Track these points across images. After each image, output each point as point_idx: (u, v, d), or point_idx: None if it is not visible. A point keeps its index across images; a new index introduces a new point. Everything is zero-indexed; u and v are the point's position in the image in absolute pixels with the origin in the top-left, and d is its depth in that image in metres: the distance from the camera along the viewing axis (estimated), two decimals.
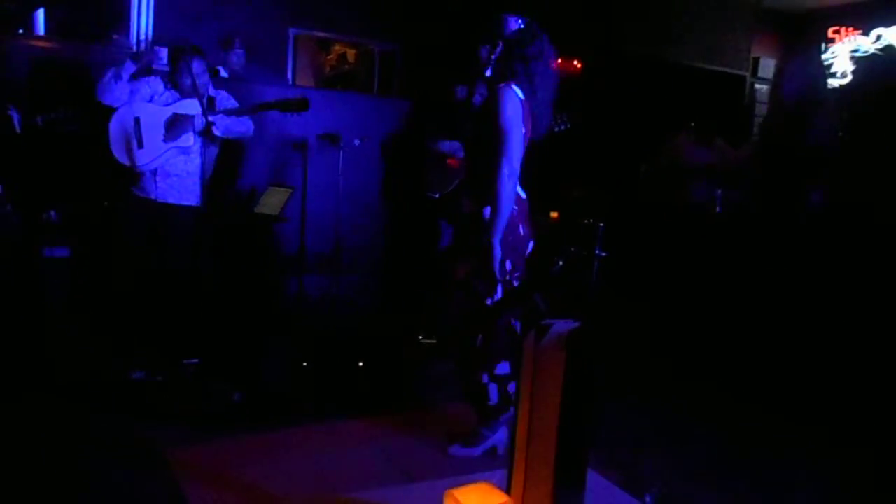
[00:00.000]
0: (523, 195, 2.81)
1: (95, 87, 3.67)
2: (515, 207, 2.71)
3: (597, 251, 1.85)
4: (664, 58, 7.45)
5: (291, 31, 6.03)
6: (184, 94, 3.78)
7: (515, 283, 2.72)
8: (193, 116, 3.72)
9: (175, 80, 3.80)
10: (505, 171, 2.61)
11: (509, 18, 2.84)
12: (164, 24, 5.24)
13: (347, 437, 3.02)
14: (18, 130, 3.56)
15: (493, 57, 2.73)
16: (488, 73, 2.80)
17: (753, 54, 7.48)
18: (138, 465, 2.66)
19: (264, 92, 4.69)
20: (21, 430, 2.90)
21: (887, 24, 7.32)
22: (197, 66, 3.70)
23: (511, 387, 2.73)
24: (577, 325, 1.50)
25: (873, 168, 4.67)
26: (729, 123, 6.73)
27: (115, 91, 3.66)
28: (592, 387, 1.48)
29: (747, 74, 7.47)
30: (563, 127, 4.19)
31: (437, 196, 4.48)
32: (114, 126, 3.71)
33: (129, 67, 3.68)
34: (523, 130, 2.69)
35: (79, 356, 3.70)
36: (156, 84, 3.83)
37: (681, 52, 7.50)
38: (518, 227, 2.72)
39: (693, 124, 5.80)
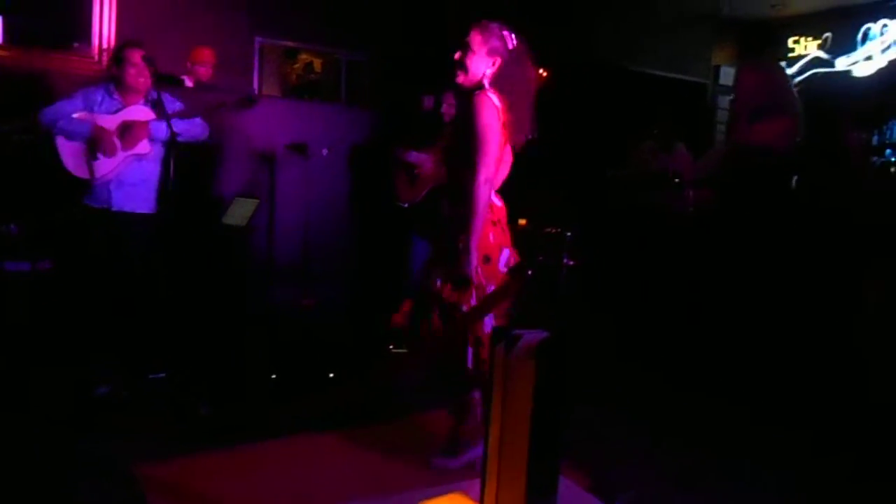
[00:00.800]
0: (499, 203, 2.81)
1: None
2: (486, 215, 2.70)
3: (564, 260, 1.87)
4: (628, 66, 7.57)
5: (257, 40, 6.00)
6: (126, 94, 3.70)
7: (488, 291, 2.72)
8: (147, 123, 3.68)
9: (117, 79, 3.70)
10: (481, 177, 2.62)
11: (485, 24, 2.84)
12: (126, 32, 5.18)
13: (319, 450, 2.99)
14: None
15: (487, 72, 2.71)
16: (460, 80, 2.79)
17: (714, 63, 7.64)
18: (106, 481, 2.61)
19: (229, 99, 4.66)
20: None
21: (844, 35, 7.55)
22: (137, 57, 3.62)
23: None
24: (546, 334, 1.52)
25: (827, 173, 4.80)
26: (691, 130, 6.84)
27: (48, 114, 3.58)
28: (563, 395, 1.50)
29: (709, 82, 7.63)
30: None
31: (406, 206, 4.48)
32: (61, 141, 3.62)
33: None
34: (500, 137, 2.69)
35: (41, 372, 3.62)
36: (93, 94, 3.71)
37: (644, 61, 7.63)
38: (489, 235, 2.72)
39: (655, 131, 5.90)
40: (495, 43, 2.72)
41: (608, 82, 7.20)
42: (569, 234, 1.83)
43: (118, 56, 3.73)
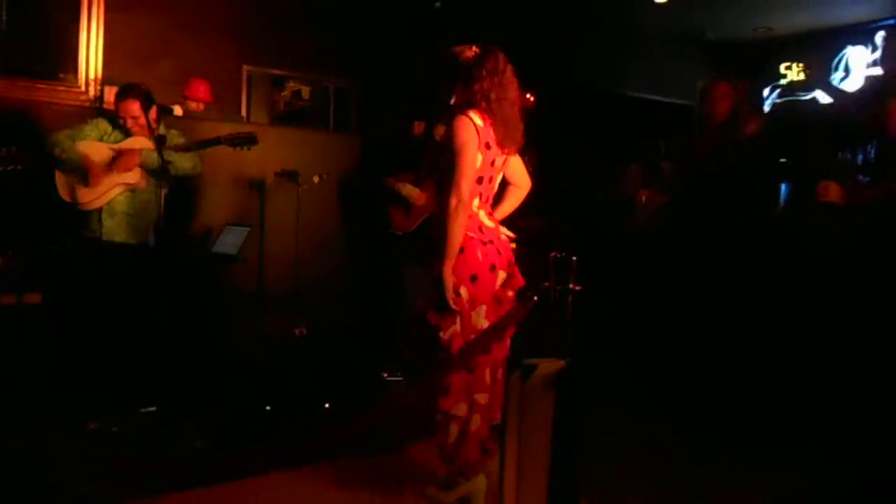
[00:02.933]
0: (490, 224, 2.77)
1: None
2: (474, 235, 2.67)
3: (571, 285, 1.84)
4: (612, 89, 7.62)
5: (245, 68, 5.98)
6: (130, 133, 3.74)
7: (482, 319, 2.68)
8: (140, 151, 3.66)
9: (117, 121, 3.75)
10: (453, 200, 2.59)
11: (460, 49, 2.84)
12: (114, 62, 5.15)
13: (316, 484, 2.92)
14: None
15: (453, 86, 2.70)
16: (451, 102, 2.78)
17: (699, 84, 7.70)
18: None
19: (219, 129, 4.63)
20: None
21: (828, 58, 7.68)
22: (132, 107, 3.65)
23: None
24: (561, 363, 1.48)
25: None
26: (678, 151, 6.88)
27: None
28: (581, 424, 1.46)
29: (694, 104, 7.68)
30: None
31: (400, 235, 4.45)
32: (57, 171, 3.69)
33: None
34: (480, 157, 2.65)
35: (29, 407, 3.53)
36: (104, 125, 3.78)
37: (629, 84, 7.70)
38: (477, 253, 2.66)
39: (641, 154, 5.93)
40: (462, 63, 2.71)
41: (592, 106, 7.25)
42: (574, 258, 1.81)
43: (116, 104, 3.76)
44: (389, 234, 4.52)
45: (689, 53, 7.80)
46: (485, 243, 2.69)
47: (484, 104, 2.68)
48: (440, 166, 2.83)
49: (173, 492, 2.74)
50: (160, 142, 3.59)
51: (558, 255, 1.84)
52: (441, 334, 2.64)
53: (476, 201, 2.72)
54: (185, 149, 3.79)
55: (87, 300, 3.64)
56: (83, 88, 5.24)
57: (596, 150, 6.82)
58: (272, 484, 2.88)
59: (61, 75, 5.30)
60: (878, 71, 7.51)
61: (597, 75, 7.48)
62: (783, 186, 5.40)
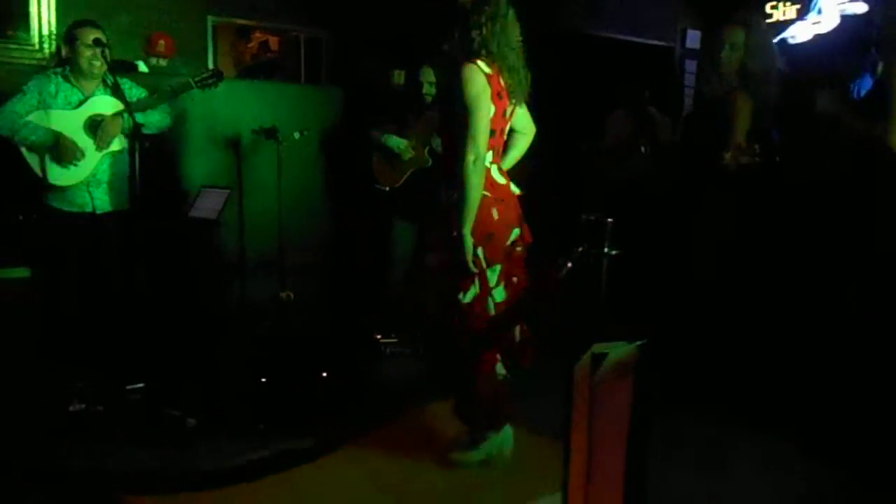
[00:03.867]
0: (502, 180, 2.64)
1: None
2: (488, 193, 2.53)
3: (605, 249, 1.70)
4: (591, 31, 7.39)
5: (210, 19, 5.64)
6: (84, 78, 3.41)
7: (495, 281, 2.55)
8: (121, 117, 3.39)
9: (71, 63, 3.40)
10: (470, 157, 2.44)
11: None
12: (69, 17, 4.78)
13: (327, 462, 2.76)
14: None
15: (449, 32, 2.54)
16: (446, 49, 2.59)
17: (681, 26, 7.52)
18: None
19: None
20: None
21: None
22: (92, 35, 3.35)
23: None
24: (634, 349, 1.35)
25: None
26: (661, 96, 6.72)
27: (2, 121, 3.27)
28: (653, 414, 1.34)
29: (676, 46, 7.50)
30: None
31: (386, 190, 4.26)
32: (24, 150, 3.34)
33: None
34: (493, 108, 2.51)
35: (7, 389, 3.33)
36: (45, 85, 3.39)
37: (609, 26, 7.47)
38: (492, 212, 2.53)
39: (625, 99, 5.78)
40: (459, 6, 2.55)
41: (571, 49, 7.02)
42: (610, 220, 1.66)
43: (69, 37, 3.43)
44: (375, 190, 4.32)
45: None
46: (498, 201, 2.56)
47: (484, 52, 2.51)
48: (448, 119, 2.66)
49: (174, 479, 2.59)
50: (118, 91, 3.32)
51: (591, 218, 1.69)
52: (461, 297, 2.53)
53: (489, 155, 2.57)
54: (155, 102, 3.52)
55: (73, 275, 3.40)
56: (37, 45, 4.89)
57: (575, 95, 6.63)
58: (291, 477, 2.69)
59: (10, 32, 4.94)
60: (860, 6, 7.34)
61: (573, 16, 7.24)
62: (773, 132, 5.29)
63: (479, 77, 2.46)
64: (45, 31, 4.86)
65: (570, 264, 1.64)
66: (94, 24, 3.45)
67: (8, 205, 3.74)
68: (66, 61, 3.47)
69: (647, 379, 1.31)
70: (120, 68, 3.88)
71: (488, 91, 2.47)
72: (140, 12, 5.06)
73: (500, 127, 2.59)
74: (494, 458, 2.69)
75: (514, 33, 2.58)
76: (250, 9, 5.75)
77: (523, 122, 2.78)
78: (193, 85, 3.56)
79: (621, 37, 7.47)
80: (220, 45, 6.08)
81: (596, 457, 1.32)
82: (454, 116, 2.51)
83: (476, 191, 2.46)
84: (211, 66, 5.71)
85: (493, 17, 2.52)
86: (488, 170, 2.56)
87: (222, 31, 6.12)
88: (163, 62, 5.01)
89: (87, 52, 3.36)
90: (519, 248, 2.63)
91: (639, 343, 1.35)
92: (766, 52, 4.65)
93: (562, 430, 1.41)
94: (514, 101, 2.60)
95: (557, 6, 7.02)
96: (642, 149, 5.07)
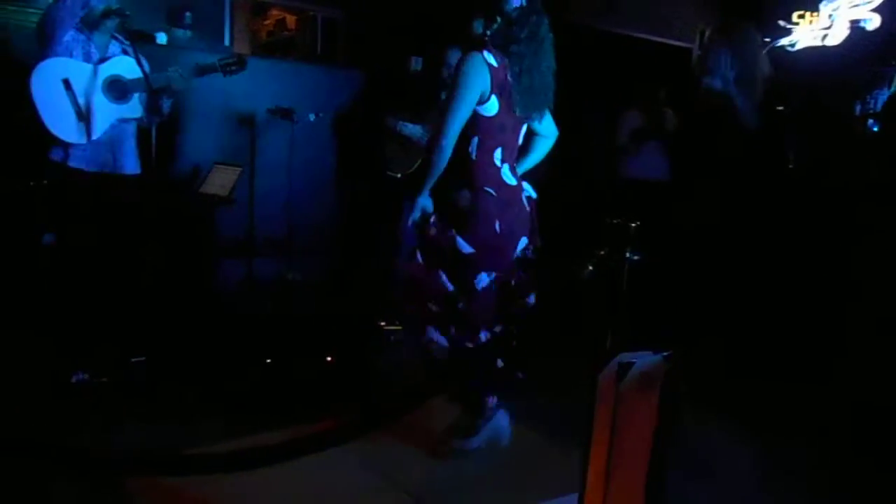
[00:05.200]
0: (512, 181, 2.58)
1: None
2: (493, 192, 2.50)
3: (628, 254, 1.69)
4: (610, 30, 7.33)
5: None
6: (91, 30, 3.26)
7: (485, 283, 2.53)
8: (141, 81, 3.26)
9: (90, 19, 3.23)
10: (442, 140, 2.44)
11: None
12: None
13: (335, 452, 2.71)
14: None
15: (487, 33, 2.50)
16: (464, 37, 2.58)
17: (700, 26, 7.46)
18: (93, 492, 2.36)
19: (204, 59, 4.32)
20: None
21: None
22: None
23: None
24: (661, 359, 1.33)
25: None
26: (678, 95, 6.69)
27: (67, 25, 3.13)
28: (678, 425, 1.33)
29: (694, 46, 7.44)
30: None
31: (399, 176, 4.23)
32: (39, 94, 3.12)
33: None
34: (498, 103, 2.47)
35: (9, 358, 3.33)
36: (75, 36, 3.23)
37: (627, 24, 7.41)
38: (494, 224, 2.49)
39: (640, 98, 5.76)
40: (503, 9, 2.50)
41: (586, 46, 6.97)
42: (634, 224, 1.65)
43: None
44: (388, 176, 4.30)
45: None
46: (505, 205, 2.52)
47: (515, 63, 2.48)
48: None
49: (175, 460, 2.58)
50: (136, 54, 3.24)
51: (616, 222, 1.68)
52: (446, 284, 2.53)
53: (499, 153, 2.53)
54: (182, 82, 3.45)
55: (77, 240, 3.32)
56: None
57: (590, 92, 6.59)
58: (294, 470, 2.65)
59: None
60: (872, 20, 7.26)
61: (589, 13, 7.18)
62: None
63: (478, 67, 2.42)
64: None
65: (591, 267, 1.63)
66: None
67: (19, 170, 3.70)
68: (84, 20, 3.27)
69: (673, 391, 1.30)
70: (138, 39, 3.83)
71: (484, 83, 2.42)
72: None
73: (512, 123, 2.54)
74: (492, 445, 2.67)
75: (546, 58, 2.57)
76: None
77: (545, 125, 2.74)
78: (218, 67, 3.49)
79: (639, 35, 7.42)
80: (236, 21, 6.04)
81: (616, 466, 1.31)
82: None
83: (437, 167, 2.47)
84: (227, 41, 5.69)
85: (531, 37, 2.51)
86: (498, 169, 2.52)
87: (239, 7, 6.07)
88: (188, 34, 4.96)
89: (99, 5, 3.19)
90: (527, 256, 2.61)
91: (666, 355, 1.34)
92: (749, 58, 4.49)
93: (582, 436, 1.40)
94: (523, 116, 2.56)
95: (575, 3, 6.97)
96: None
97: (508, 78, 2.47)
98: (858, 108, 6.96)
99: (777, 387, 3.38)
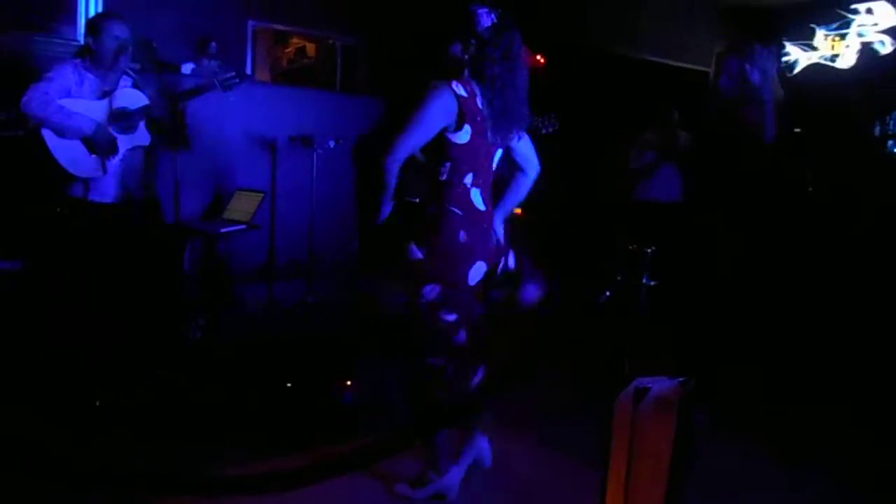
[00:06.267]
0: (482, 206, 2.52)
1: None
2: (458, 211, 2.46)
3: (645, 279, 1.71)
4: (628, 54, 7.40)
5: (250, 24, 5.73)
6: (106, 70, 3.34)
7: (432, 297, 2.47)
8: (146, 110, 3.40)
9: (95, 52, 3.30)
10: (386, 158, 2.47)
11: (481, 12, 2.64)
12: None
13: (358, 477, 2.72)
14: None
15: (466, 57, 2.47)
16: (466, 74, 2.49)
17: (717, 50, 7.51)
18: None
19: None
20: None
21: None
22: (119, 29, 3.28)
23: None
24: (677, 384, 1.36)
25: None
26: (694, 119, 6.73)
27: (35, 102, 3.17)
28: (694, 445, 1.34)
29: (710, 70, 7.49)
30: (549, 129, 4.05)
31: (417, 201, 4.28)
32: (50, 136, 3.23)
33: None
34: (469, 129, 2.42)
35: (34, 380, 3.39)
36: (65, 74, 3.29)
37: (645, 48, 7.47)
38: (457, 235, 2.46)
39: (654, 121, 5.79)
40: (476, 31, 2.48)
41: (604, 69, 7.04)
42: (650, 250, 1.68)
43: (95, 28, 3.33)
44: (407, 203, 4.34)
45: (707, 17, 7.57)
46: (470, 224, 2.47)
47: (488, 86, 2.43)
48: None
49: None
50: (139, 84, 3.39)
51: (631, 248, 1.71)
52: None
53: (470, 177, 2.48)
54: (179, 100, 3.58)
55: (99, 265, 3.41)
56: (82, 41, 4.99)
57: (607, 115, 6.64)
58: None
59: (53, 25, 5.06)
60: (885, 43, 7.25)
61: (608, 37, 7.25)
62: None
63: (445, 99, 2.38)
64: None
65: (608, 293, 1.66)
66: (120, 19, 3.39)
67: (41, 199, 3.79)
68: (87, 52, 3.38)
69: (690, 416, 1.32)
70: (164, 69, 3.95)
71: (453, 115, 2.40)
72: (184, 14, 5.14)
73: (485, 149, 2.50)
74: (439, 498, 2.63)
75: (520, 73, 2.50)
76: (290, 15, 5.83)
77: (525, 155, 2.68)
78: (217, 85, 3.60)
79: (656, 59, 7.48)
80: (258, 50, 6.18)
81: (634, 489, 1.33)
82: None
83: (388, 189, 2.52)
84: (249, 70, 5.82)
85: (505, 56, 2.44)
86: (468, 190, 2.49)
87: (261, 35, 6.22)
88: (213, 63, 5.09)
89: (112, 45, 3.29)
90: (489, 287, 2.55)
91: (683, 379, 1.36)
92: (761, 70, 4.50)
93: (600, 459, 1.42)
94: (499, 140, 2.52)
95: (592, 27, 7.05)
96: None
97: (480, 105, 2.42)
98: (878, 129, 6.97)
99: (807, 409, 3.39)
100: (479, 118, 2.43)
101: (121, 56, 3.32)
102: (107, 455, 2.76)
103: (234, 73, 3.69)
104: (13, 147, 3.61)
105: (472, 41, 2.47)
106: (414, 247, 2.52)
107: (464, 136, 2.44)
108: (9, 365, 3.41)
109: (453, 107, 2.39)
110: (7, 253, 3.80)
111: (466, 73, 2.46)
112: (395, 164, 2.47)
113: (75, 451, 2.77)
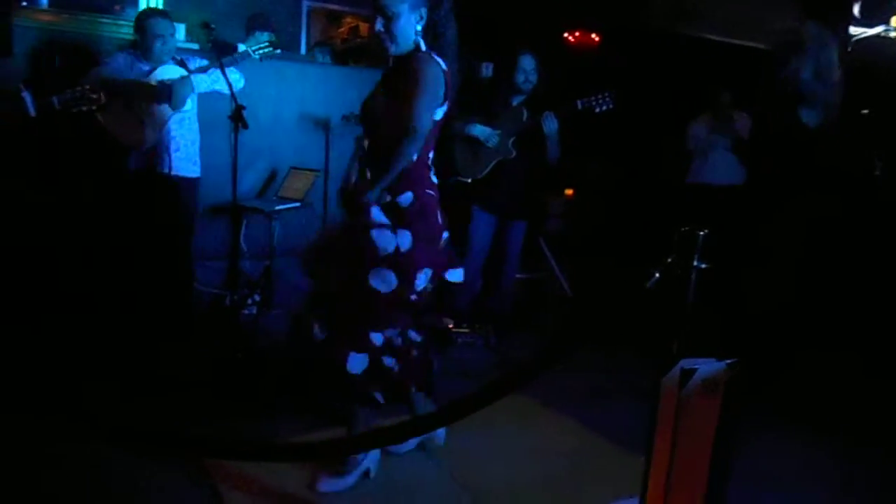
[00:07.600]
0: (436, 180, 2.50)
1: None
2: (433, 193, 2.43)
3: (696, 262, 1.70)
4: (684, 31, 7.22)
5: (305, 4, 5.79)
6: (152, 61, 3.69)
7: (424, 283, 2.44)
8: (188, 79, 3.65)
9: (144, 45, 3.67)
10: (415, 126, 2.26)
11: None
12: None
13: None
14: (33, 113, 3.32)
15: (393, 31, 2.35)
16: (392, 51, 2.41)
17: (777, 27, 7.27)
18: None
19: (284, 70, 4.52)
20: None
21: None
22: (162, 26, 3.65)
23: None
24: (723, 366, 1.36)
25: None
26: (747, 97, 6.55)
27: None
28: (738, 431, 1.35)
29: (765, 47, 7.27)
30: (604, 107, 4.01)
31: (468, 181, 4.29)
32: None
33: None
34: (444, 109, 2.38)
35: (98, 350, 3.54)
36: (119, 60, 3.70)
37: (701, 26, 7.28)
38: (437, 216, 2.43)
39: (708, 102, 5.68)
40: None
41: (662, 48, 6.89)
42: (702, 233, 1.67)
43: (139, 26, 3.69)
44: (456, 181, 4.36)
45: None
46: (438, 202, 2.45)
47: (446, 52, 2.39)
48: (385, 113, 2.42)
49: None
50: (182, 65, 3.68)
51: (684, 230, 1.70)
52: (375, 284, 2.31)
53: (431, 155, 2.44)
54: (207, 68, 3.73)
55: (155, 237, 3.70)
56: None
57: (666, 94, 6.52)
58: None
59: (118, 7, 5.20)
60: None
61: (666, 15, 7.09)
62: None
63: (437, 70, 2.31)
64: None
65: (657, 275, 1.65)
66: (162, 15, 3.76)
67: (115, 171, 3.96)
68: (136, 45, 3.76)
69: (735, 399, 1.32)
70: (221, 49, 4.03)
71: (443, 87, 2.32)
72: None
73: (438, 128, 2.44)
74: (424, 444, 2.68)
75: (453, 25, 2.43)
76: None
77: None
78: (251, 54, 3.82)
79: (713, 37, 7.28)
80: (312, 30, 6.24)
81: (677, 472, 1.34)
82: (396, 107, 2.32)
83: (403, 161, 2.29)
84: (303, 50, 5.89)
85: (448, 11, 2.39)
86: (430, 170, 2.45)
87: (315, 15, 6.27)
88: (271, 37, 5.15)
89: (156, 43, 3.64)
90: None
91: (729, 362, 1.36)
92: (824, 59, 4.29)
93: (645, 442, 1.43)
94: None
95: (647, 5, 6.90)
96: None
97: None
98: None
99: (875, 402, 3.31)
100: (450, 91, 2.36)
101: (164, 48, 3.67)
102: (167, 422, 2.89)
103: (267, 43, 3.91)
104: (77, 122, 3.77)
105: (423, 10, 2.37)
106: (390, 235, 2.31)
107: (440, 112, 2.37)
108: (74, 335, 3.59)
109: (443, 82, 2.32)
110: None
111: (423, 43, 2.36)
112: (423, 132, 2.29)
113: (138, 418, 2.90)
